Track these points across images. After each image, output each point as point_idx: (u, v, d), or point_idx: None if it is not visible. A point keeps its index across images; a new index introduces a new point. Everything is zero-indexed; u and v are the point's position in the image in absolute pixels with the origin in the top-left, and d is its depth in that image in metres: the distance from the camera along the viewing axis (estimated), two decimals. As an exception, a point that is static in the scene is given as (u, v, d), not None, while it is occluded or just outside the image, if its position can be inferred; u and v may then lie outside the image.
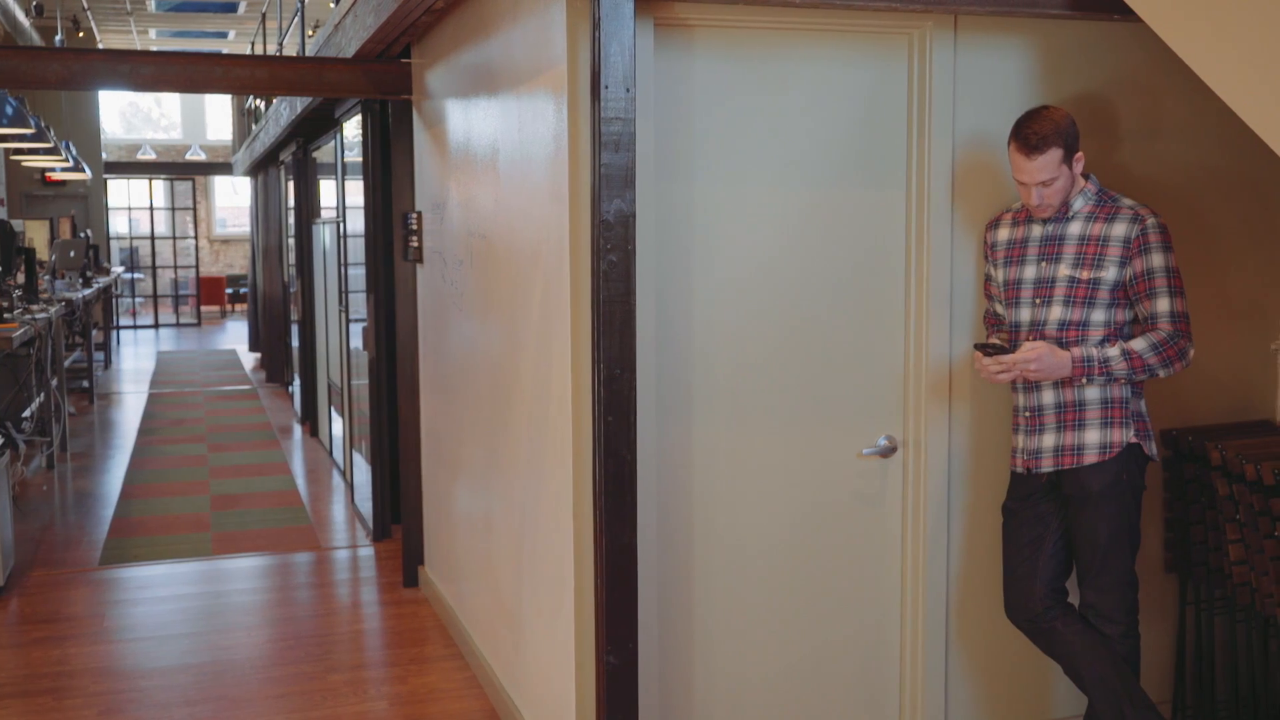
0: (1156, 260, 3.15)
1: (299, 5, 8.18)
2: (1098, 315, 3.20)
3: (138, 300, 20.73)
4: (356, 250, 6.60)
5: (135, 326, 19.78)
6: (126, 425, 10.08)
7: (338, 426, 8.09)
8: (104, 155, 17.36)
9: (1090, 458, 3.22)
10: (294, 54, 9.13)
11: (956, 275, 3.48)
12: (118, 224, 20.65)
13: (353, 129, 6.55)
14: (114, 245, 19.68)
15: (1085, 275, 3.18)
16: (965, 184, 3.46)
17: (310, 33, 9.73)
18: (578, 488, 3.21)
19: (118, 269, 16.52)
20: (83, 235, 13.47)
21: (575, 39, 3.07)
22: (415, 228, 5.19)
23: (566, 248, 3.16)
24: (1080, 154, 3.16)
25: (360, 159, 6.11)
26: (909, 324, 3.49)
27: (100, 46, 15.40)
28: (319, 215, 8.85)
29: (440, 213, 4.81)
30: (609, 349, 3.01)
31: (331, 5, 7.88)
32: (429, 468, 5.34)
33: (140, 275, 20.40)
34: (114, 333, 16.11)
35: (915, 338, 3.48)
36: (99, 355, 13.46)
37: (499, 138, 3.88)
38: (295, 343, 10.48)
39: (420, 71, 5.13)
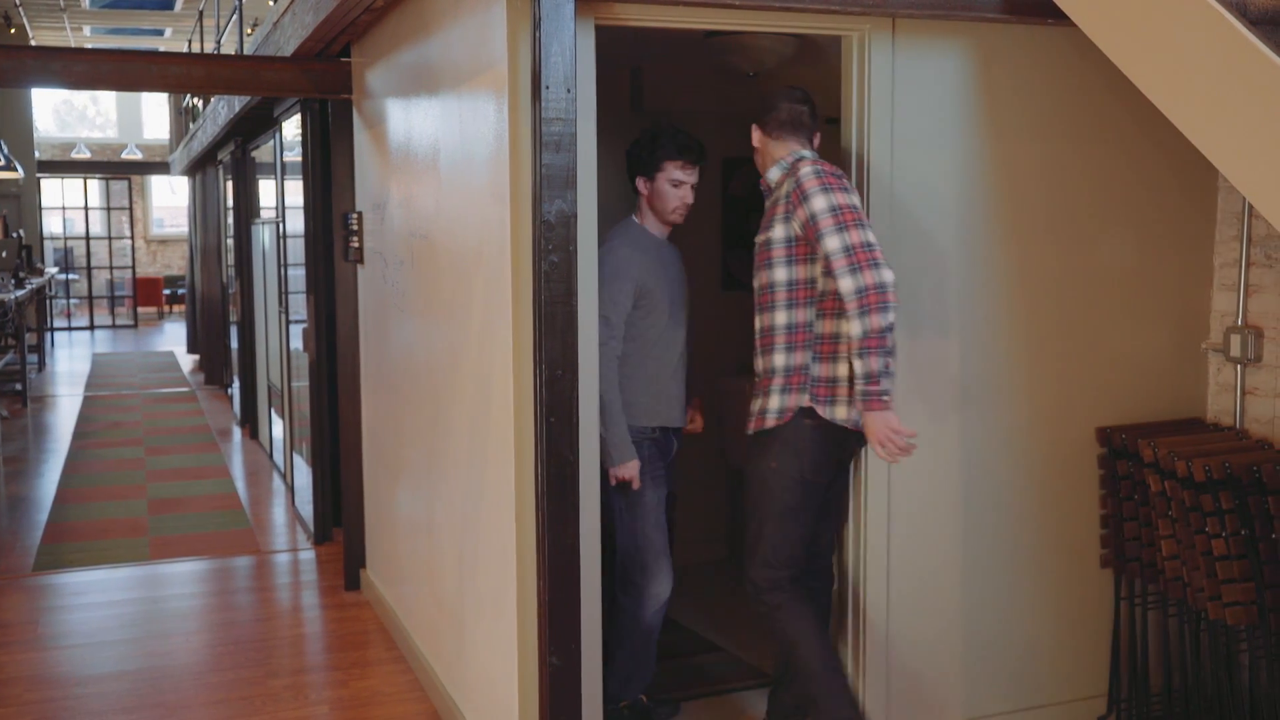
0: (818, 203, 3.11)
1: (237, 3, 8.09)
2: (779, 275, 3.21)
3: (73, 301, 20.37)
4: (296, 251, 6.53)
5: (70, 328, 19.44)
6: (61, 429, 9.91)
7: (278, 429, 8.01)
8: (37, 154, 17.05)
9: (769, 422, 3.27)
10: (232, 52, 9.03)
11: (896, 273, 3.50)
12: (52, 224, 20.28)
13: (292, 128, 6.49)
14: (48, 245, 19.33)
15: (761, 238, 3.26)
16: (904, 183, 3.50)
17: (249, 31, 9.63)
18: (520, 489, 3.20)
19: (52, 270, 16.25)
20: (15, 235, 13.23)
21: (516, 39, 3.07)
22: (356, 228, 5.15)
23: (508, 248, 3.16)
24: (755, 127, 3.29)
25: (300, 158, 6.05)
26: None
27: (33, 43, 15.14)
28: (258, 215, 8.75)
29: (381, 213, 4.77)
30: (551, 350, 3.00)
31: (270, 3, 7.80)
32: (370, 470, 5.31)
33: (75, 276, 20.05)
34: (48, 335, 15.82)
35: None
36: (33, 358, 13.22)
37: (440, 138, 3.86)
38: (234, 344, 10.36)
39: (360, 70, 5.09)
